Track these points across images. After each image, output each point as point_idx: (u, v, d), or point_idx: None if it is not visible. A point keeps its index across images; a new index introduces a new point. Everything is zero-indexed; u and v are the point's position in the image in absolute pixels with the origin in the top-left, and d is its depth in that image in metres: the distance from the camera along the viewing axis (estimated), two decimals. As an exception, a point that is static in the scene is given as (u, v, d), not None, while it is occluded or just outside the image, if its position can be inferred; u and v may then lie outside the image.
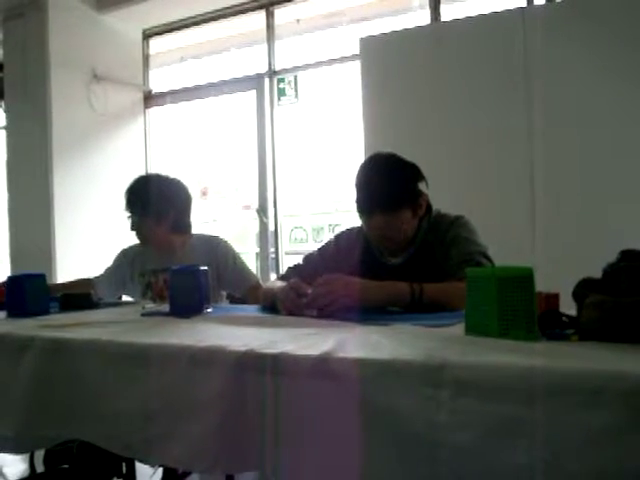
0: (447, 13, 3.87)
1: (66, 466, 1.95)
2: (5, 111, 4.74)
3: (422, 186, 1.68)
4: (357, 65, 3.55)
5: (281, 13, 4.48)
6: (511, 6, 3.31)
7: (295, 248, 4.93)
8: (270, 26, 4.48)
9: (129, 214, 2.25)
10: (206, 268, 1.62)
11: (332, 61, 4.33)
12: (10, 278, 1.81)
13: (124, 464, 1.96)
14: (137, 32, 4.95)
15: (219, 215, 5.46)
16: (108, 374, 1.17)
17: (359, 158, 2.65)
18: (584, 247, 2.73)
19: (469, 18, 3.28)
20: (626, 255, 1.00)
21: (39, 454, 1.96)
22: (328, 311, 1.39)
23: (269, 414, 0.96)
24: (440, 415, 0.81)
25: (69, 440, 1.32)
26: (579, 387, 0.73)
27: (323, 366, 0.92)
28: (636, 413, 0.69)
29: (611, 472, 0.70)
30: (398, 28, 3.52)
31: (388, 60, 3.42)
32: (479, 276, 1.05)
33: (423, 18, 3.92)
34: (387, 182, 1.61)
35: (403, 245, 1.70)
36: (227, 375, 1.01)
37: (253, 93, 4.55)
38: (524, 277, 1.01)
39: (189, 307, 1.57)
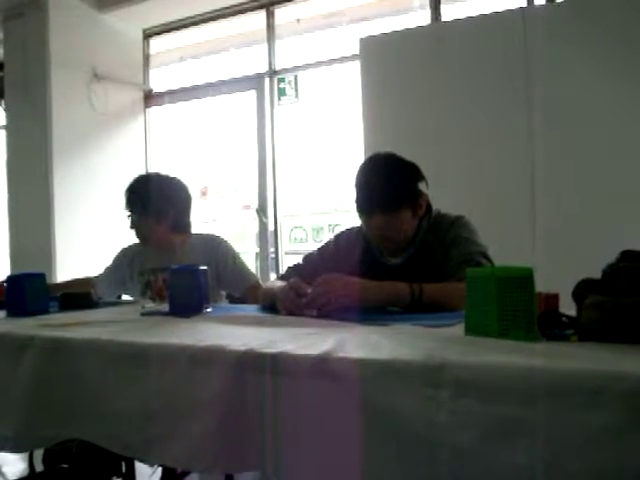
0: (447, 13, 3.87)
1: (65, 465, 1.95)
2: (5, 110, 4.74)
3: (422, 186, 1.68)
4: (357, 65, 3.54)
5: (281, 13, 4.48)
6: (511, 6, 3.31)
7: (295, 248, 4.92)
8: (270, 26, 4.48)
9: (129, 213, 2.25)
10: (206, 268, 1.62)
11: (332, 61, 4.33)
12: (10, 277, 1.81)
13: (123, 463, 1.96)
14: (137, 32, 4.95)
15: (219, 215, 5.46)
16: (108, 374, 1.17)
17: (359, 158, 2.65)
18: (584, 247, 2.73)
19: (469, 18, 3.28)
20: (626, 255, 1.00)
21: (38, 453, 1.96)
22: (326, 310, 1.39)
23: (269, 414, 0.96)
24: (440, 415, 0.81)
25: (68, 439, 1.31)
26: (579, 387, 0.73)
27: (323, 366, 0.92)
28: (636, 413, 0.69)
29: (611, 472, 0.70)
30: (398, 28, 3.52)
31: (388, 60, 3.42)
32: (479, 276, 1.05)
33: (423, 18, 3.92)
34: (387, 182, 1.61)
35: (403, 245, 1.70)
36: (227, 375, 1.01)
37: (253, 93, 4.55)
38: (524, 277, 1.01)
39: (189, 307, 1.56)
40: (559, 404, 0.74)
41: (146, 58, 5.06)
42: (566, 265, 2.09)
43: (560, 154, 2.97)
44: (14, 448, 1.43)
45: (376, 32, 3.53)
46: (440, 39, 3.27)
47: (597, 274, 1.00)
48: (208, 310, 1.60)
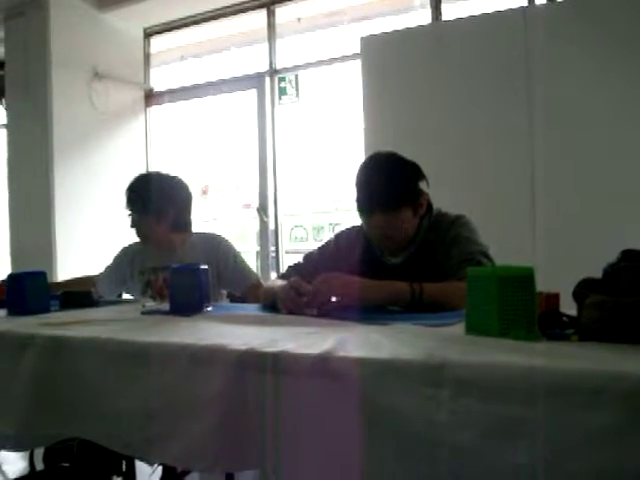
0: (448, 12, 3.87)
1: (66, 464, 1.95)
2: (6, 109, 4.73)
3: (423, 185, 1.68)
4: (358, 64, 3.54)
5: (282, 12, 4.48)
6: (512, 5, 3.31)
7: (295, 247, 4.93)
8: (271, 25, 4.48)
9: (129, 212, 2.25)
10: (206, 266, 1.62)
11: (333, 60, 4.33)
12: (10, 276, 1.80)
13: (124, 462, 1.96)
14: (138, 30, 4.94)
15: (219, 214, 5.47)
16: (108, 372, 1.17)
17: (359, 157, 2.65)
18: (584, 247, 2.73)
19: (470, 17, 3.28)
20: (626, 255, 1.00)
21: (39, 452, 1.96)
22: (326, 309, 1.39)
23: (269, 413, 0.96)
24: (440, 414, 0.81)
25: (69, 438, 1.32)
26: (579, 387, 0.73)
27: (323, 365, 0.92)
28: (636, 413, 0.69)
29: (611, 472, 0.70)
30: (399, 27, 3.52)
31: (389, 59, 3.42)
32: (480, 275, 1.05)
33: (424, 17, 3.92)
34: (387, 181, 1.61)
35: (403, 244, 1.70)
36: (227, 374, 1.01)
37: (254, 92, 4.55)
38: (525, 277, 1.01)
39: (189, 305, 1.56)
40: (559, 404, 0.74)
41: (147, 57, 5.06)
42: (566, 264, 2.09)
43: (560, 154, 2.97)
44: (15, 447, 1.43)
45: (377, 31, 3.53)
46: (441, 38, 3.27)
47: (598, 273, 1.00)
48: (209, 309, 1.60)
